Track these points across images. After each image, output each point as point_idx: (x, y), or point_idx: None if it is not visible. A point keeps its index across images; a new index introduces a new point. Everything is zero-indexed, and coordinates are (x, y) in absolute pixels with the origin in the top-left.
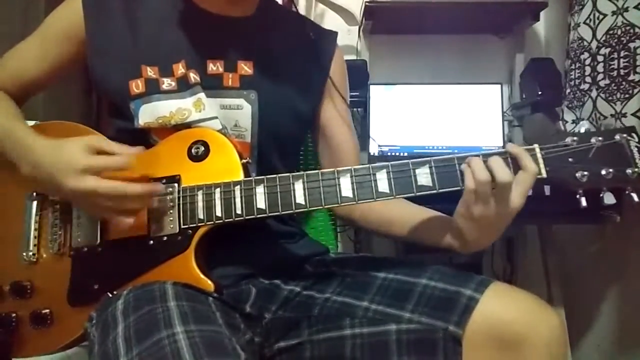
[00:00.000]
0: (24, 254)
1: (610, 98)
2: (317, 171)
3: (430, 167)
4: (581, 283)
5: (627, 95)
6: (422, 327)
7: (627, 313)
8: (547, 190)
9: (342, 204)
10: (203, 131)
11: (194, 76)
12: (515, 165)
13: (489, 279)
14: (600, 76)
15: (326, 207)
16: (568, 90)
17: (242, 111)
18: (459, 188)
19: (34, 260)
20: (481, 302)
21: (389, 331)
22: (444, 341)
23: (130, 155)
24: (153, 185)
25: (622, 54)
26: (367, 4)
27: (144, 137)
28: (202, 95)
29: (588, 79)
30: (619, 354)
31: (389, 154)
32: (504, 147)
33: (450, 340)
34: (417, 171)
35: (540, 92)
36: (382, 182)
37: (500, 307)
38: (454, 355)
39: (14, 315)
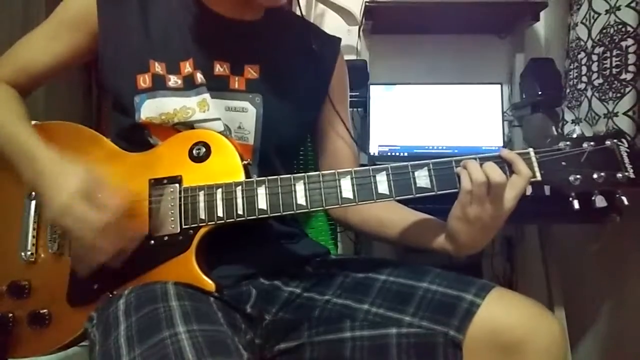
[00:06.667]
0: (22, 253)
1: (603, 97)
2: (317, 172)
3: (429, 170)
4: (581, 283)
5: (618, 95)
6: (423, 332)
7: (627, 312)
8: (547, 190)
9: (343, 205)
10: (204, 132)
11: (200, 76)
12: (509, 169)
13: (491, 284)
14: (595, 75)
15: (327, 208)
16: (567, 90)
17: (247, 114)
18: (456, 190)
19: (33, 259)
20: (482, 308)
21: (390, 334)
22: (445, 346)
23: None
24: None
25: (614, 52)
26: (367, 4)
27: (143, 136)
28: (207, 95)
29: (584, 79)
30: (618, 353)
31: (388, 154)
32: (504, 147)
33: (450, 345)
34: (416, 173)
35: (540, 92)
36: (382, 183)
37: (501, 312)
38: None
39: (11, 315)
